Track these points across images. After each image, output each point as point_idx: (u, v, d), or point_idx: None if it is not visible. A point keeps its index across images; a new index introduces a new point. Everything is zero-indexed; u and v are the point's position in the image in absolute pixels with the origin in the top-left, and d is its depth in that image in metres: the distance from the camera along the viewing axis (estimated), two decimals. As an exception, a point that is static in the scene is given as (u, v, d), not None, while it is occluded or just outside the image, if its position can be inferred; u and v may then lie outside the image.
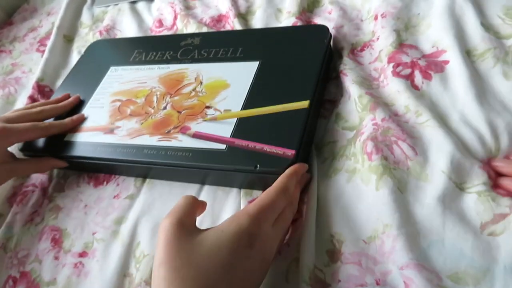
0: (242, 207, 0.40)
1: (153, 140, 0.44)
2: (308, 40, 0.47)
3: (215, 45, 0.52)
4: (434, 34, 0.44)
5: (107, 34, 0.67)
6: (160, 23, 0.65)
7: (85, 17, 0.72)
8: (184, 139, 0.42)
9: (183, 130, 0.43)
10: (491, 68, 0.40)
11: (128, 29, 0.66)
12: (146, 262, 0.39)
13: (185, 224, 0.30)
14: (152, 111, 0.47)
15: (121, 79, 0.53)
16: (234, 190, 0.42)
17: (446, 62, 0.42)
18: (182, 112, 0.45)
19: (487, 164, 0.34)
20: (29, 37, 0.74)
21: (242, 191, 0.41)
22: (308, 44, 0.47)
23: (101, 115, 0.49)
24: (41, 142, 0.49)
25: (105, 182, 0.48)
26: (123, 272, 0.39)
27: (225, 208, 0.41)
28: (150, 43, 0.57)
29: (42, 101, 0.58)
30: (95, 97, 0.52)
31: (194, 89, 0.48)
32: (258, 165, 0.37)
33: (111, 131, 0.47)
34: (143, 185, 0.46)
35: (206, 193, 0.43)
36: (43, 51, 0.68)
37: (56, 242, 0.44)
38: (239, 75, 0.46)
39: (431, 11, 0.47)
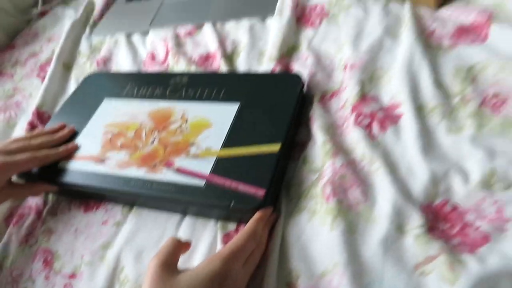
0: (218, 237, 0.45)
1: (140, 172, 0.49)
2: (283, 86, 0.53)
3: (201, 85, 0.57)
4: (393, 88, 0.50)
5: (104, 65, 0.72)
6: (153, 57, 0.70)
7: (84, 46, 0.78)
8: (168, 173, 0.47)
9: (168, 165, 0.48)
10: (438, 123, 0.45)
11: (123, 61, 0.71)
12: (129, 286, 0.43)
13: (168, 265, 0.36)
14: (141, 145, 0.52)
15: (114, 111, 0.58)
16: (212, 221, 0.47)
17: (400, 115, 0.47)
18: (168, 148, 0.50)
19: (426, 208, 0.40)
20: (30, 62, 0.79)
21: (219, 223, 0.46)
22: (283, 90, 0.52)
23: (94, 145, 0.54)
24: (36, 168, 0.54)
25: (95, 208, 0.53)
26: (107, 294, 0.44)
27: (203, 238, 0.46)
28: (143, 79, 0.63)
29: (40, 127, 0.63)
30: (88, 127, 0.57)
31: (180, 126, 0.53)
32: (232, 202, 0.42)
33: (102, 161, 0.52)
34: (130, 213, 0.51)
35: (186, 223, 0.48)
36: (43, 77, 0.73)
37: (48, 263, 0.49)
38: (221, 116, 0.52)
39: (393, 65, 0.53)
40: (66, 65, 0.75)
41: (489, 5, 0.55)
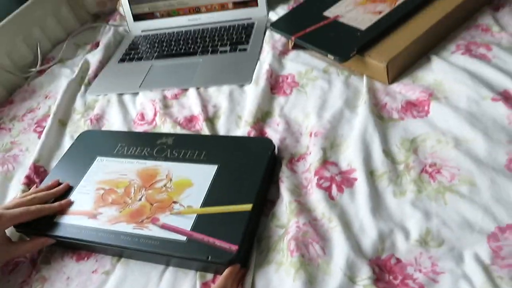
0: (197, 286, 0.51)
1: (129, 228, 0.55)
2: (256, 149, 0.61)
3: (184, 146, 0.65)
4: (350, 155, 0.59)
5: (97, 122, 0.79)
6: (142, 117, 0.78)
7: (78, 103, 0.85)
8: (154, 229, 0.54)
9: (154, 221, 0.55)
10: (386, 187, 0.54)
11: (114, 119, 0.79)
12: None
13: None
14: (130, 201, 0.59)
15: (106, 169, 0.65)
16: (192, 271, 0.53)
17: (355, 179, 0.56)
18: (154, 205, 0.57)
19: (374, 262, 0.47)
20: (27, 117, 0.85)
21: (198, 273, 0.52)
22: (257, 152, 0.60)
23: (87, 201, 0.61)
24: (33, 222, 0.58)
25: (86, 258, 0.58)
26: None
27: (184, 286, 0.52)
28: (132, 138, 0.70)
29: (37, 180, 0.69)
30: (82, 183, 0.64)
31: (165, 185, 0.60)
32: (209, 257, 0.49)
33: (94, 216, 0.58)
34: (118, 263, 0.56)
35: (169, 272, 0.53)
36: (40, 132, 0.80)
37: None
38: (201, 176, 0.59)
39: (351, 134, 0.62)
40: (62, 121, 0.81)
41: (430, 84, 0.65)
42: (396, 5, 0.75)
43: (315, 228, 0.51)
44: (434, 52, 0.71)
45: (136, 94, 0.84)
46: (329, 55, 0.71)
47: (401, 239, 0.48)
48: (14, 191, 0.70)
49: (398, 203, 0.52)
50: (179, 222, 0.54)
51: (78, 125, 0.80)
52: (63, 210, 0.60)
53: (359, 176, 0.56)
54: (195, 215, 0.54)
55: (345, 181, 0.56)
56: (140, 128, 0.76)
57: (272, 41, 0.85)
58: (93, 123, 0.79)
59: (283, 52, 0.82)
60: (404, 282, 0.45)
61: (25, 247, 0.58)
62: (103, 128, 0.78)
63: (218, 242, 0.50)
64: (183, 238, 0.52)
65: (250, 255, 0.52)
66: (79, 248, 0.59)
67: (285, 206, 0.55)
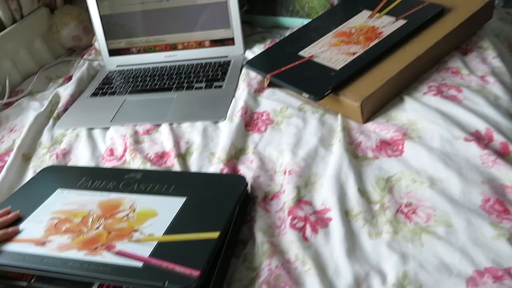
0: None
1: (79, 255, 0.50)
2: (228, 186, 0.58)
3: (152, 181, 0.62)
4: (324, 193, 0.57)
5: (63, 157, 0.76)
6: (112, 152, 0.75)
7: (45, 138, 0.82)
8: (108, 256, 0.49)
9: (109, 248, 0.51)
10: (361, 228, 0.52)
11: (82, 155, 0.75)
12: None
13: None
14: (86, 230, 0.54)
15: (65, 200, 0.61)
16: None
17: (330, 219, 0.54)
18: (112, 233, 0.53)
19: (351, 309, 0.44)
20: (-11, 151, 0.81)
21: None
22: (228, 189, 0.58)
23: (37, 229, 0.56)
24: None
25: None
26: None
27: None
28: (98, 173, 0.67)
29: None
30: (36, 213, 0.59)
31: (127, 215, 0.56)
32: (166, 282, 0.45)
33: (42, 244, 0.53)
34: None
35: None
36: (1, 167, 0.75)
37: None
38: (167, 207, 0.56)
39: (325, 172, 0.61)
40: (26, 156, 0.78)
41: (404, 123, 0.65)
42: (369, 47, 0.76)
43: (288, 271, 0.48)
44: (407, 92, 0.72)
45: (106, 129, 0.81)
46: (303, 94, 0.71)
47: (377, 283, 0.46)
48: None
49: (374, 244, 0.50)
50: (137, 249, 0.50)
51: (43, 159, 0.76)
52: (8, 239, 0.55)
53: (334, 216, 0.54)
54: (156, 242, 0.50)
55: (320, 221, 0.54)
56: (108, 164, 0.73)
57: (248, 78, 0.85)
58: (59, 158, 0.75)
59: (259, 90, 0.82)
60: (381, 330, 0.42)
61: None
62: (69, 164, 0.75)
63: (179, 268, 0.46)
64: (139, 264, 0.48)
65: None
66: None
67: (257, 247, 0.52)
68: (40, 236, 0.54)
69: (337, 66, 0.74)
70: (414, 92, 0.71)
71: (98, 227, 0.54)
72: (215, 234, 0.50)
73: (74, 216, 0.57)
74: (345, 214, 0.54)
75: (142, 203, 0.58)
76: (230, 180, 0.61)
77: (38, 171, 0.73)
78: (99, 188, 0.62)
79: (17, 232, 0.56)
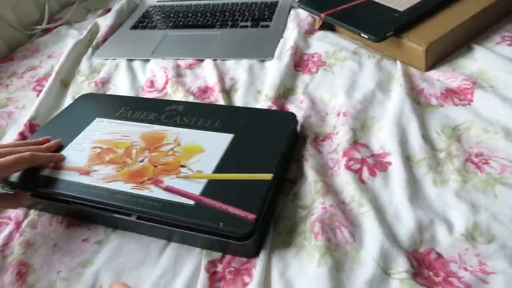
0: (202, 264, 0.44)
1: (126, 187, 0.48)
2: (278, 123, 0.54)
3: (196, 114, 0.58)
4: (383, 137, 0.53)
5: (102, 86, 0.73)
6: (152, 84, 0.71)
7: (84, 66, 0.79)
8: (156, 191, 0.47)
9: (156, 183, 0.48)
10: (424, 175, 0.48)
11: (121, 85, 0.72)
12: (105, 306, 0.42)
13: None
14: (130, 161, 0.52)
15: (105, 129, 0.58)
16: (197, 249, 0.46)
17: (390, 163, 0.50)
18: (158, 167, 0.50)
19: (411, 254, 0.41)
20: (27, 75, 0.79)
21: (204, 250, 0.46)
22: (277, 126, 0.54)
23: (80, 157, 0.53)
24: (15, 174, 0.51)
25: (76, 225, 0.51)
26: (81, 313, 0.43)
27: (187, 264, 0.45)
28: (138, 103, 0.63)
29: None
30: (76, 141, 0.56)
31: (172, 149, 0.53)
32: (221, 224, 0.42)
33: (87, 173, 0.51)
34: (113, 232, 0.50)
35: (171, 248, 0.47)
36: (39, 91, 0.73)
37: (21, 276, 0.47)
38: (214, 143, 0.52)
39: (384, 116, 0.56)
40: (64, 82, 0.75)
41: (473, 72, 0.59)
42: (439, -12, 0.69)
43: (343, 211, 0.45)
44: (476, 42, 0.65)
45: (147, 61, 0.78)
46: (362, 34, 0.65)
47: (443, 232, 0.42)
48: (4, 148, 0.63)
49: (440, 192, 0.46)
50: (187, 186, 0.47)
51: (82, 87, 0.74)
52: (54, 163, 0.52)
53: (394, 161, 0.49)
54: (206, 180, 0.47)
55: (378, 164, 0.50)
56: (148, 95, 0.70)
57: (297, 19, 0.79)
58: (98, 86, 0.72)
59: (309, 31, 0.77)
60: (447, 280, 0.39)
61: (11, 201, 0.50)
62: (108, 93, 0.72)
63: (233, 210, 0.43)
64: (191, 202, 0.45)
65: (266, 235, 0.45)
66: (69, 215, 0.52)
67: (309, 186, 0.48)
68: (84, 165, 0.52)
69: (401, 7, 0.68)
70: (484, 42, 0.64)
71: (142, 160, 0.51)
72: (268, 176, 0.46)
73: (117, 147, 0.54)
74: (407, 159, 0.49)
75: (187, 137, 0.54)
76: (279, 117, 0.56)
77: (76, 97, 0.71)
78: (140, 119, 0.59)
79: (63, 158, 0.53)
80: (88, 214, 0.50)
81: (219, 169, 0.48)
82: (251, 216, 0.42)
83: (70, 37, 0.87)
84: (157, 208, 0.45)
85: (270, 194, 0.45)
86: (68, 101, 0.71)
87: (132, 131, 0.57)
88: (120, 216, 0.47)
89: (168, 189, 0.47)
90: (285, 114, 0.58)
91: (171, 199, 0.45)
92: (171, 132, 0.55)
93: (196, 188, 0.46)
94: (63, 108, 0.69)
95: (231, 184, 0.46)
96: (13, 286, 0.46)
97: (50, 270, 0.47)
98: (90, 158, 0.53)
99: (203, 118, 0.57)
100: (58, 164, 0.52)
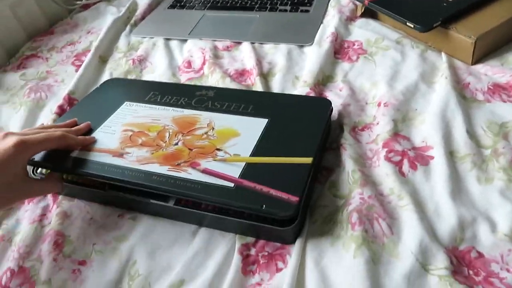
0: (236, 247, 0.44)
1: (162, 169, 0.47)
2: (313, 109, 0.53)
3: (227, 99, 0.57)
4: (425, 130, 0.51)
5: (139, 63, 0.73)
6: (189, 64, 0.71)
7: (122, 43, 0.79)
8: (194, 173, 0.46)
9: (193, 165, 0.47)
10: (468, 171, 0.46)
11: (159, 63, 0.72)
12: (139, 281, 0.43)
13: None
14: (164, 144, 0.50)
15: (135, 113, 0.56)
16: (230, 233, 0.46)
17: (431, 157, 0.48)
18: (193, 150, 0.49)
19: (451, 251, 0.40)
20: (66, 49, 0.80)
21: (237, 235, 0.45)
22: (313, 112, 0.52)
23: (111, 140, 0.52)
24: (48, 157, 0.50)
25: (112, 200, 0.52)
26: (116, 286, 0.43)
27: (220, 246, 0.45)
28: (166, 88, 0.61)
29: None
30: (106, 124, 0.55)
31: (206, 133, 0.51)
32: (264, 206, 0.41)
33: (120, 155, 0.49)
34: (148, 209, 0.50)
35: (204, 230, 0.47)
36: (78, 66, 0.74)
37: (58, 246, 0.48)
38: (249, 127, 0.51)
39: (427, 109, 0.54)
40: (102, 58, 0.76)
41: (525, 68, 0.57)
42: (491, -22, 0.66)
43: (381, 203, 0.44)
44: (528, 36, 0.62)
45: (184, 41, 0.77)
46: (408, 23, 0.63)
47: (485, 231, 0.41)
48: (44, 120, 0.65)
49: (483, 190, 0.44)
50: (225, 169, 0.46)
51: (119, 63, 0.74)
52: (86, 146, 0.51)
53: (436, 155, 0.48)
54: (244, 163, 0.46)
55: (419, 157, 0.48)
56: (185, 75, 0.69)
57: (339, 5, 0.77)
58: (135, 64, 0.73)
59: (351, 18, 0.75)
60: (488, 280, 0.37)
61: (44, 186, 0.50)
62: (145, 71, 0.72)
63: (275, 192, 0.42)
64: (230, 184, 0.44)
65: (305, 222, 0.44)
66: (104, 202, 0.51)
67: (347, 175, 0.48)
68: (116, 147, 0.50)
69: (450, -4, 0.65)
70: (536, 37, 0.61)
71: (176, 143, 0.50)
72: (308, 159, 0.45)
73: (149, 130, 0.53)
74: (450, 154, 0.48)
75: (221, 121, 0.53)
76: (314, 102, 0.55)
77: (114, 73, 0.72)
78: (170, 104, 0.57)
79: (95, 141, 0.52)
80: (124, 200, 0.49)
81: (256, 152, 0.47)
82: (294, 199, 0.41)
83: (109, 14, 0.88)
84: (196, 190, 0.44)
85: (310, 178, 0.44)
86: (105, 76, 0.72)
87: (163, 115, 0.55)
88: (157, 201, 0.47)
89: (206, 172, 0.46)
90: (320, 100, 0.56)
91: (210, 181, 0.45)
92: (204, 117, 0.54)
93: (234, 171, 0.45)
94: (101, 83, 0.70)
95: (270, 168, 0.45)
96: (50, 255, 0.47)
97: (86, 242, 0.48)
98: (122, 141, 0.51)
99: (235, 103, 0.56)
100: (89, 146, 0.51)
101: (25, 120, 0.64)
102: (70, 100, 0.66)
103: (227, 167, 0.46)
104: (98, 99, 0.62)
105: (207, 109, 0.56)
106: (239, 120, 0.53)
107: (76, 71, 0.73)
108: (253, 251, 0.44)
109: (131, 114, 0.56)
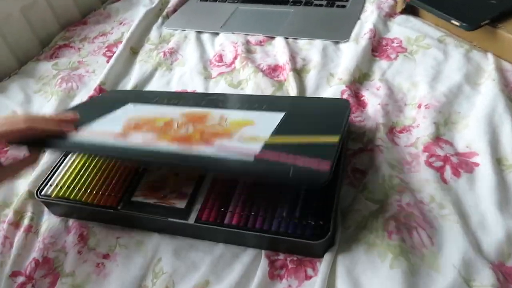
0: (263, 251, 0.42)
1: (173, 147, 0.40)
2: (330, 109, 0.48)
3: (239, 101, 0.54)
4: (469, 135, 0.48)
5: (170, 56, 0.72)
6: (221, 58, 0.70)
7: (153, 35, 0.78)
8: (208, 150, 0.39)
9: (208, 142, 0.40)
10: (517, 181, 0.43)
11: (190, 56, 0.71)
12: (163, 279, 0.42)
13: None
14: (172, 131, 0.44)
15: (139, 111, 0.51)
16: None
17: (477, 164, 0.45)
18: (205, 134, 0.43)
19: (497, 267, 0.37)
20: (98, 40, 0.80)
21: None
22: (331, 111, 0.47)
23: (114, 124, 0.47)
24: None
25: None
26: (140, 283, 0.42)
27: (247, 248, 0.43)
28: (172, 96, 0.57)
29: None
30: (109, 116, 0.50)
31: (219, 123, 0.46)
32: (291, 172, 0.34)
33: (124, 136, 0.44)
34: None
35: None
36: (109, 57, 0.74)
37: (83, 238, 0.47)
38: (264, 119, 0.45)
39: (471, 112, 0.51)
40: (134, 49, 0.75)
41: None
42: (546, -25, 0.61)
43: (421, 211, 0.41)
44: None
45: (216, 34, 0.76)
46: (453, 21, 0.59)
47: (535, 247, 0.37)
48: (74, 110, 0.64)
49: (534, 202, 0.41)
50: (242, 147, 0.39)
51: (150, 55, 0.73)
52: (67, 126, 0.45)
53: (482, 162, 0.45)
54: (262, 143, 0.39)
55: (463, 164, 0.45)
56: (216, 69, 0.68)
57: (378, 1, 0.74)
58: (166, 56, 0.72)
59: (390, 15, 0.71)
60: (538, 300, 0.34)
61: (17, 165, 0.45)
62: (175, 64, 0.71)
63: (302, 160, 0.35)
64: (250, 158, 0.37)
65: (335, 229, 0.42)
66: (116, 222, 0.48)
67: (383, 179, 0.45)
68: (119, 131, 0.45)
69: (500, -7, 0.61)
70: None
71: (186, 130, 0.44)
72: (335, 138, 0.38)
73: (155, 121, 0.47)
74: (497, 162, 0.45)
75: (233, 115, 0.47)
76: (332, 103, 0.51)
77: (144, 65, 0.71)
78: (178, 104, 0.52)
79: (76, 118, 0.47)
80: (138, 220, 0.46)
81: (277, 133, 0.41)
82: (326, 166, 0.34)
83: (141, 5, 0.87)
84: (212, 163, 0.37)
85: (336, 160, 0.36)
86: (136, 68, 0.71)
87: (171, 111, 0.50)
88: (176, 220, 0.43)
89: (222, 149, 0.39)
90: (338, 101, 0.53)
91: (227, 156, 0.38)
92: (215, 112, 0.48)
93: (253, 147, 0.38)
94: (131, 74, 0.70)
95: (290, 146, 0.39)
96: (75, 247, 0.46)
97: (109, 234, 0.47)
98: (125, 127, 0.46)
99: (248, 103, 0.52)
100: (89, 130, 0.46)
101: (56, 109, 0.64)
102: (101, 91, 0.66)
103: (244, 145, 0.40)
104: (99, 103, 0.58)
105: (217, 107, 0.51)
106: (253, 114, 0.47)
107: (107, 62, 0.72)
108: (281, 255, 0.42)
109: (135, 112, 0.52)
